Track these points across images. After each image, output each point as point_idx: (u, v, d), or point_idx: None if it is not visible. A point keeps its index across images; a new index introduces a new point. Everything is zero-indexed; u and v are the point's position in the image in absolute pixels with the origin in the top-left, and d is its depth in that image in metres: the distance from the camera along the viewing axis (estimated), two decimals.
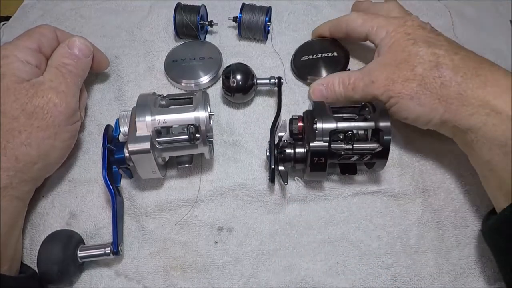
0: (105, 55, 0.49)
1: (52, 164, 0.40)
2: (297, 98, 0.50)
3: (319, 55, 0.51)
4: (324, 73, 0.49)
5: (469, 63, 0.37)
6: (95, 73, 0.51)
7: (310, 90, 0.47)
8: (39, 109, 0.37)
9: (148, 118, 0.38)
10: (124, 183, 0.43)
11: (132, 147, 0.37)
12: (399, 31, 0.41)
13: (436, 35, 0.41)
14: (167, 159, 0.42)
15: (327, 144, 0.38)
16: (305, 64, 0.51)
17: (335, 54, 0.51)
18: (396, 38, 0.41)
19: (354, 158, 0.39)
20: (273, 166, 0.38)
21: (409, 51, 0.39)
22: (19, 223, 0.38)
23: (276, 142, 0.40)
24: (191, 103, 0.40)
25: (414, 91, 0.38)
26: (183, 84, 0.50)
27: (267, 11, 0.52)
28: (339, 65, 0.50)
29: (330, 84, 0.45)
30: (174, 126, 0.39)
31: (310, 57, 0.51)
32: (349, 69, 0.50)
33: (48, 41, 0.42)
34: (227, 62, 0.51)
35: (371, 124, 0.38)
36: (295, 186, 0.43)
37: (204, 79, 0.50)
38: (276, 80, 0.47)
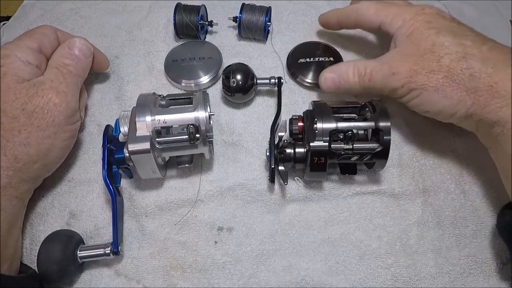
0: (105, 56, 0.49)
1: (51, 163, 0.40)
2: (297, 98, 0.50)
3: (316, 59, 0.51)
4: (318, 76, 0.49)
5: (498, 54, 0.36)
6: (95, 73, 0.51)
7: (321, 79, 0.43)
8: (39, 108, 0.37)
9: (148, 118, 0.38)
10: (124, 183, 0.43)
11: (132, 147, 0.37)
12: (418, 19, 0.39)
13: (458, 24, 0.39)
14: (167, 159, 0.42)
15: (327, 144, 0.38)
16: (301, 66, 0.51)
17: (332, 59, 0.51)
18: (415, 26, 0.39)
19: (354, 158, 0.39)
20: (273, 166, 0.38)
21: (433, 41, 0.37)
22: (19, 222, 0.38)
23: (276, 142, 0.40)
24: (191, 103, 0.40)
25: (440, 83, 0.36)
26: (183, 84, 0.50)
27: (267, 11, 0.52)
28: None
29: (344, 73, 0.42)
30: (174, 126, 0.39)
31: (308, 59, 0.51)
32: None
33: (49, 41, 0.42)
34: (227, 62, 0.51)
35: (371, 124, 0.38)
36: (295, 186, 0.43)
37: (204, 79, 0.50)
38: (276, 80, 0.47)
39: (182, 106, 0.41)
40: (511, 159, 0.35)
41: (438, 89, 0.37)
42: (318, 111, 0.39)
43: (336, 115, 0.40)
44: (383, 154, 0.38)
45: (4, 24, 0.60)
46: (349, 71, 0.41)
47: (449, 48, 0.37)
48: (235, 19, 0.53)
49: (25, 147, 0.36)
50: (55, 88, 0.38)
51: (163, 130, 0.40)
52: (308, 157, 0.38)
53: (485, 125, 0.36)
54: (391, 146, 0.38)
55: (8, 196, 0.35)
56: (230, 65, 0.47)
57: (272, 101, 0.49)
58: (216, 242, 0.41)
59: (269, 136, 0.40)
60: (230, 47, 0.54)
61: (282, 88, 0.47)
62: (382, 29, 0.42)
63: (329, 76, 0.43)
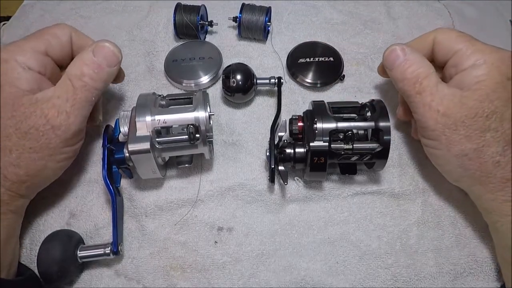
0: (121, 68, 0.43)
1: (42, 182, 0.38)
2: (297, 98, 0.50)
3: (316, 59, 0.51)
4: (318, 76, 0.50)
5: None
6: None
7: (387, 51, 0.40)
8: (34, 130, 0.34)
9: (148, 118, 0.38)
10: (124, 183, 0.43)
11: (132, 147, 0.37)
12: (499, 67, 0.34)
13: None
14: (167, 159, 0.42)
15: (327, 144, 0.38)
16: (301, 66, 0.51)
17: (331, 59, 0.51)
18: (492, 75, 0.34)
19: (354, 158, 0.39)
20: (273, 166, 0.38)
21: (495, 107, 0.33)
22: (16, 232, 0.37)
23: (276, 142, 0.40)
24: (191, 103, 0.40)
25: (465, 152, 0.35)
26: (183, 84, 0.50)
27: (267, 11, 0.52)
28: (335, 70, 0.50)
29: (409, 64, 0.37)
30: (174, 126, 0.39)
31: (308, 60, 0.51)
32: (343, 75, 0.50)
33: (60, 44, 0.38)
34: (227, 62, 0.51)
35: (371, 124, 0.38)
36: (295, 186, 0.43)
37: (204, 79, 0.50)
38: (276, 80, 0.47)
39: (182, 106, 0.41)
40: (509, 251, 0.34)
41: (460, 155, 0.35)
42: (318, 111, 0.39)
43: (336, 115, 0.40)
44: (383, 154, 0.38)
45: (4, 24, 0.60)
46: (413, 68, 0.37)
47: (502, 126, 0.34)
48: (235, 19, 0.53)
49: (14, 168, 0.34)
50: (57, 108, 0.35)
51: (163, 130, 0.40)
52: (308, 157, 0.38)
53: (484, 209, 0.37)
54: (391, 146, 0.38)
55: (2, 210, 0.34)
56: (230, 65, 0.47)
57: (272, 101, 0.49)
58: (216, 242, 0.41)
59: (269, 136, 0.40)
60: (230, 47, 0.54)
61: (282, 88, 0.47)
62: (455, 60, 0.37)
63: (394, 53, 0.39)
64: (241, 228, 0.41)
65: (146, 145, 0.37)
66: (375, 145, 0.38)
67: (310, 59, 0.51)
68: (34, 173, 0.35)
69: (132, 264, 0.39)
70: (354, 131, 0.38)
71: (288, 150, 0.40)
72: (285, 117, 0.43)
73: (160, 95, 0.42)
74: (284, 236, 0.41)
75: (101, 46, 0.37)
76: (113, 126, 0.42)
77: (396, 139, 0.46)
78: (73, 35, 0.40)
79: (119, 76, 0.44)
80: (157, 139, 0.38)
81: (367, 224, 0.41)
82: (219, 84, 0.50)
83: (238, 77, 0.45)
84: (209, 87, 0.51)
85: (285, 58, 0.52)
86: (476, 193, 0.37)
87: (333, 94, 0.50)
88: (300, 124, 0.41)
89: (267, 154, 0.40)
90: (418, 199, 0.42)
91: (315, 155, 0.38)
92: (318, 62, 0.51)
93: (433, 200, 0.42)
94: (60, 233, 0.39)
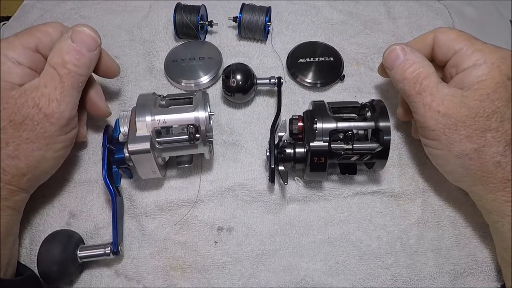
0: (114, 60, 0.44)
1: (43, 174, 0.38)
2: (297, 98, 0.50)
3: (316, 59, 0.51)
4: (318, 76, 0.50)
5: None
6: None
7: (388, 50, 0.40)
8: (29, 120, 0.34)
9: (148, 118, 0.38)
10: (124, 183, 0.43)
11: (132, 147, 0.37)
12: (499, 66, 0.34)
13: None
14: (167, 159, 0.42)
15: (327, 144, 0.38)
16: (301, 66, 0.51)
17: (331, 59, 0.51)
18: (492, 75, 0.34)
19: (354, 158, 0.39)
20: (273, 166, 0.38)
21: (495, 107, 0.34)
22: (14, 230, 0.37)
23: (276, 142, 0.40)
24: (191, 103, 0.40)
25: (466, 152, 0.35)
26: (183, 84, 0.50)
27: (267, 11, 0.52)
28: (335, 70, 0.50)
29: (409, 65, 0.38)
30: (174, 126, 0.39)
31: (308, 60, 0.51)
32: (343, 75, 0.50)
33: (51, 41, 0.38)
34: (227, 62, 0.51)
35: (371, 124, 0.38)
36: (295, 186, 0.43)
37: (204, 79, 0.50)
38: (276, 80, 0.47)
39: (182, 106, 0.41)
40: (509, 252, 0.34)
41: (461, 156, 0.35)
42: (318, 111, 0.39)
43: (336, 115, 0.40)
44: (383, 154, 0.38)
45: (4, 24, 0.60)
46: (414, 67, 0.37)
47: (502, 126, 0.34)
48: (235, 19, 0.53)
49: (13, 160, 0.34)
50: (47, 96, 0.35)
51: (163, 130, 0.40)
52: (308, 157, 0.38)
53: (484, 209, 0.37)
54: (391, 146, 0.38)
55: (1, 207, 0.34)
56: (230, 65, 0.47)
57: (272, 101, 0.49)
58: (216, 242, 0.41)
59: (269, 136, 0.40)
60: (230, 47, 0.54)
61: (282, 88, 0.47)
62: (455, 60, 0.37)
63: (395, 53, 0.39)
64: (241, 228, 0.41)
65: (146, 145, 0.37)
66: (375, 145, 0.38)
67: (310, 59, 0.51)
68: (33, 164, 0.35)
69: (132, 264, 0.39)
70: (354, 131, 0.38)
71: (288, 150, 0.40)
72: (285, 117, 0.43)
73: (160, 95, 0.42)
74: (284, 236, 0.41)
75: (78, 31, 0.37)
76: (113, 126, 0.42)
77: (396, 139, 0.46)
78: (64, 31, 0.39)
79: (113, 70, 0.44)
80: (157, 139, 0.38)
81: (367, 224, 0.41)
82: (219, 84, 0.50)
83: (238, 77, 0.45)
84: (209, 87, 0.51)
85: (285, 58, 0.53)
86: (477, 193, 0.37)
87: (333, 94, 0.50)
88: (300, 124, 0.41)
89: (267, 154, 0.40)
90: (418, 199, 0.42)
91: (315, 155, 0.38)
92: (318, 62, 0.51)
93: (433, 200, 0.42)
94: (60, 233, 0.39)
